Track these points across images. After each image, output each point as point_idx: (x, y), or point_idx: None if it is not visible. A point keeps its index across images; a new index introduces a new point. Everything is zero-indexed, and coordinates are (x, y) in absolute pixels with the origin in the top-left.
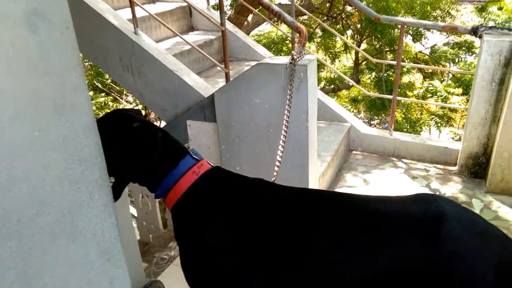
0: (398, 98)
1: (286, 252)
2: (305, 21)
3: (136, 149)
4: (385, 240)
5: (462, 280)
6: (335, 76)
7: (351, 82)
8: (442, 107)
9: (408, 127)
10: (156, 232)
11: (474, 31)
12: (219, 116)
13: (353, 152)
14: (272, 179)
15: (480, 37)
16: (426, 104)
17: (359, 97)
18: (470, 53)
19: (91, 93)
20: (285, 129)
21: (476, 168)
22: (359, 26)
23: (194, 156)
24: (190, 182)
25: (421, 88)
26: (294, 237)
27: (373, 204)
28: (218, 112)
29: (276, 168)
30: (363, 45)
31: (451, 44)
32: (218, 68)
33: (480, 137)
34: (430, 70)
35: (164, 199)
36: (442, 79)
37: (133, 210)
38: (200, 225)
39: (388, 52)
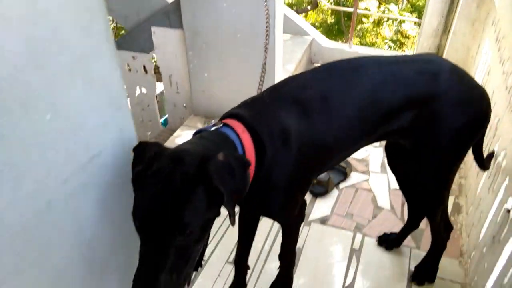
0: (359, 11)
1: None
2: None
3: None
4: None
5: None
6: (293, 1)
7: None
8: (396, 33)
9: None
10: (155, 129)
11: None
12: (186, 22)
13: (315, 64)
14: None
15: None
16: (381, 29)
17: (316, 23)
18: None
19: None
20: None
21: None
22: None
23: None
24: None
25: (377, 11)
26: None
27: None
28: (185, 18)
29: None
30: None
31: None
32: None
33: (431, 48)
34: None
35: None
36: (397, 3)
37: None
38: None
39: None
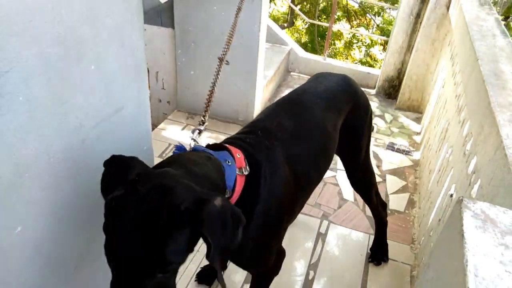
0: (334, 28)
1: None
2: None
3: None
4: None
5: (362, 105)
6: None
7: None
8: (365, 55)
9: None
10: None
11: None
12: (178, 21)
13: (291, 73)
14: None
15: None
16: (351, 52)
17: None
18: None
19: None
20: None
21: (390, 90)
22: None
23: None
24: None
25: (349, 33)
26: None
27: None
28: (177, 17)
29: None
30: None
31: None
32: None
33: (396, 63)
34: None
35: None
36: (368, 28)
37: None
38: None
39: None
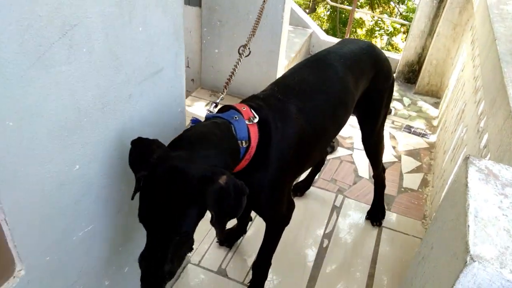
0: (356, 15)
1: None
2: None
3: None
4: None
5: (385, 72)
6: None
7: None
8: (387, 44)
9: None
10: None
11: None
12: (205, 0)
13: None
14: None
15: None
16: (373, 40)
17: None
18: None
19: None
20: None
21: (410, 75)
22: None
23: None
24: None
25: (371, 20)
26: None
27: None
28: None
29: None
30: None
31: None
32: None
33: (417, 48)
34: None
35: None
36: (391, 16)
37: None
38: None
39: None
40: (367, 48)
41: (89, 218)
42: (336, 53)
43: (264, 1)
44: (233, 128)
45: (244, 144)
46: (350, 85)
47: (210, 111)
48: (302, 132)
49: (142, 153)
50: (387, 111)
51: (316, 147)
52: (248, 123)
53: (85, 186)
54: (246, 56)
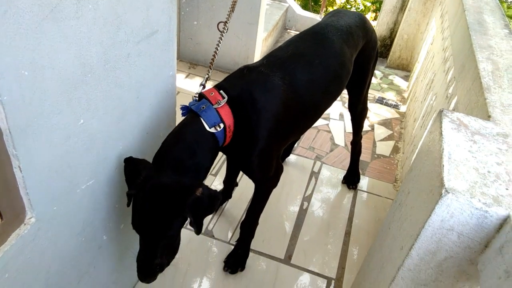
0: None
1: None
2: None
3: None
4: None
5: (372, 43)
6: None
7: None
8: None
9: None
10: None
11: None
12: None
13: (288, 30)
14: (223, 29)
15: None
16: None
17: None
18: None
19: None
20: None
21: (382, 49)
22: None
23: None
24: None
25: None
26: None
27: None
28: None
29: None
30: None
31: None
32: None
33: (389, 23)
34: None
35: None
36: None
37: None
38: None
39: None
40: (360, 21)
41: (91, 172)
42: (333, 26)
43: None
44: (202, 120)
45: (218, 128)
46: (346, 59)
47: (196, 96)
48: (288, 103)
49: (132, 171)
50: (371, 80)
51: (305, 118)
52: (217, 106)
53: (88, 141)
54: (226, 33)
